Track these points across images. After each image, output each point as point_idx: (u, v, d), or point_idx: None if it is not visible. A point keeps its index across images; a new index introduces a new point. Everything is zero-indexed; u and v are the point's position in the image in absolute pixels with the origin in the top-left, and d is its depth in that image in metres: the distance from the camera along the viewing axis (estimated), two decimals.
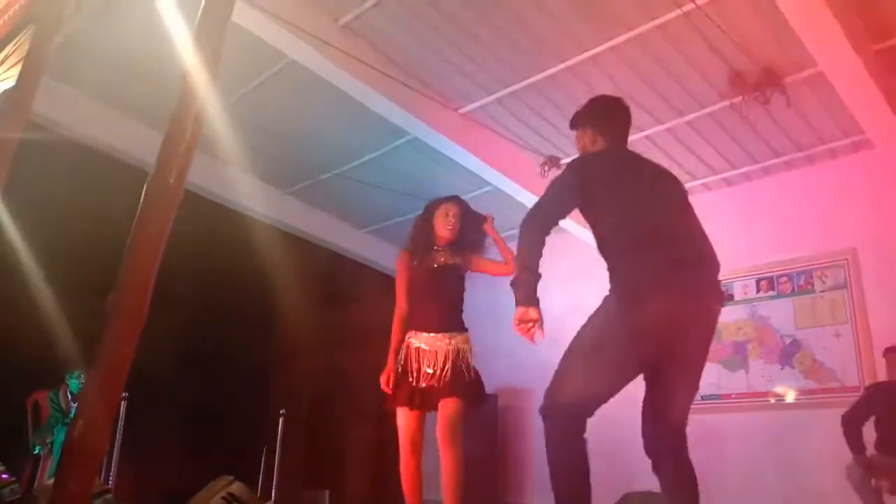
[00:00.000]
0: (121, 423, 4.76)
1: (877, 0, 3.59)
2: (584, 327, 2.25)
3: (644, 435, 2.31)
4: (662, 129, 4.85)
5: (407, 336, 3.33)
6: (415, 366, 3.23)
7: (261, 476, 6.11)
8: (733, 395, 5.19)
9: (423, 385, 3.18)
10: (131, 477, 4.73)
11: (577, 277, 6.30)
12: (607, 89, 4.46)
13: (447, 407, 3.13)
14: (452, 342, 3.25)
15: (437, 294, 3.34)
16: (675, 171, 5.32)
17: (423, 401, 3.18)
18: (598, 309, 2.26)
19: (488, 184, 5.60)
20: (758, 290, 5.31)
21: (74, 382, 5.38)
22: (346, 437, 10.95)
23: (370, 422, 10.64)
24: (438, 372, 3.18)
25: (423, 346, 3.26)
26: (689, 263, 2.19)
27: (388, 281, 8.30)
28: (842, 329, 4.89)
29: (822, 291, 5.04)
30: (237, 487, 1.51)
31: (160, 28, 3.09)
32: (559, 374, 2.24)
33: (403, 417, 3.23)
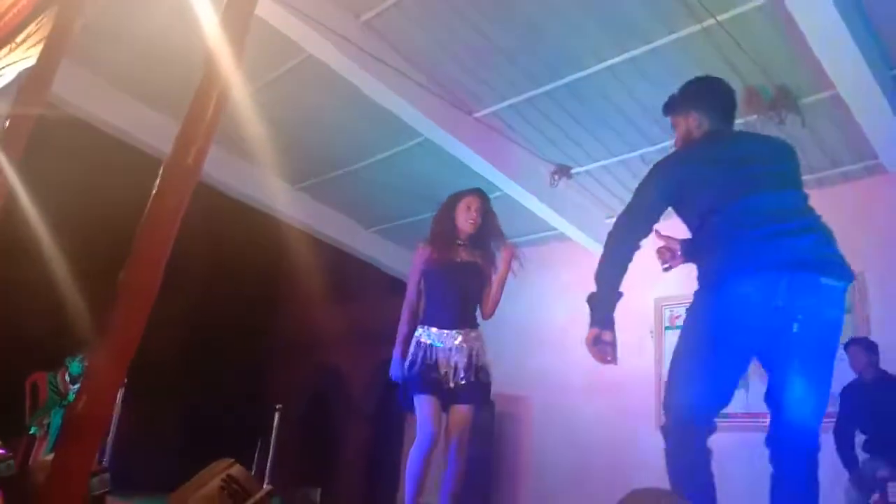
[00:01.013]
0: (117, 410, 4.76)
1: (895, 25, 3.58)
2: (680, 332, 2.12)
3: (767, 441, 2.06)
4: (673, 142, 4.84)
5: (417, 332, 3.25)
6: (430, 360, 3.14)
7: (253, 470, 6.10)
8: (732, 415, 5.16)
9: (450, 382, 3.12)
10: (124, 462, 4.73)
11: (579, 287, 6.28)
12: (623, 100, 4.48)
13: (461, 414, 3.11)
14: (466, 340, 3.18)
15: (456, 290, 3.26)
16: None
17: (443, 395, 3.11)
18: (687, 309, 2.13)
19: (498, 189, 5.59)
20: None
21: (76, 365, 5.39)
22: (341, 435, 10.95)
23: (366, 422, 10.65)
24: (451, 372, 3.12)
25: (434, 342, 3.19)
26: (784, 234, 1.96)
27: (391, 281, 8.33)
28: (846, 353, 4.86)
29: None
30: (237, 470, 1.52)
31: (185, 16, 3.10)
32: (667, 387, 2.10)
33: (428, 405, 3.08)
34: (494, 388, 3.33)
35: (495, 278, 3.33)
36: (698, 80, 2.52)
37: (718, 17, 3.58)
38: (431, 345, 3.18)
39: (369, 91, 4.36)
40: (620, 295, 2.19)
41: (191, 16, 2.90)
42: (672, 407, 2.05)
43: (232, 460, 1.58)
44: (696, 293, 2.09)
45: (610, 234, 2.26)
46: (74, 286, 5.68)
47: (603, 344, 2.15)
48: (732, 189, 2.08)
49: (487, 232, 3.37)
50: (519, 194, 5.41)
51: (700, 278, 2.09)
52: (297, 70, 4.54)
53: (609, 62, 4.12)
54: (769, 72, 4.03)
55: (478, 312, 3.37)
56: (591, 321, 2.18)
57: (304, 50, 4.15)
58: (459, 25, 4.01)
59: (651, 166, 2.35)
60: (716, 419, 2.06)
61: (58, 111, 4.56)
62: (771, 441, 2.04)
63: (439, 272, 3.28)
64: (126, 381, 4.76)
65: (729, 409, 5.87)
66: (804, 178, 5.22)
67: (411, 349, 3.22)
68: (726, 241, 2.01)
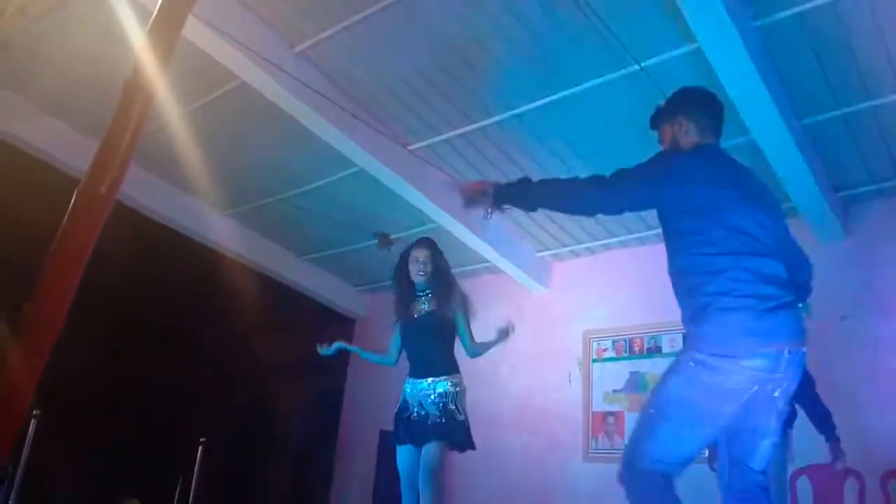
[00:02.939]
0: (28, 442, 4.50)
1: (804, 78, 3.81)
2: (663, 379, 2.10)
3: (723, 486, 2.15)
4: None
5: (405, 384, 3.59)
6: (406, 409, 3.50)
7: None
8: None
9: (419, 425, 3.43)
10: (38, 499, 4.47)
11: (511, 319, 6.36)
12: (552, 139, 4.60)
13: (426, 450, 3.36)
14: (438, 386, 3.46)
15: (420, 343, 3.57)
16: (614, 228, 5.53)
17: (413, 438, 3.43)
18: (677, 359, 2.11)
19: (432, 221, 5.64)
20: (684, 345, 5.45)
21: None
22: (269, 472, 10.62)
23: (295, 458, 10.37)
24: (427, 415, 3.41)
25: (411, 391, 3.52)
26: (781, 308, 2.00)
27: (324, 311, 8.21)
28: None
29: None
30: None
31: (112, 37, 3.04)
32: (637, 435, 2.07)
33: (401, 458, 3.47)
34: None
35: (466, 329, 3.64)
36: (688, 88, 2.48)
37: (642, 64, 3.74)
38: (410, 393, 3.53)
39: (304, 120, 4.35)
40: (528, 183, 2.29)
41: (117, 36, 2.86)
42: (643, 462, 2.03)
43: (136, 500, 1.51)
44: (695, 356, 2.03)
45: (586, 187, 2.20)
46: None
47: (482, 194, 2.30)
48: (751, 244, 2.04)
49: (443, 277, 3.63)
50: (453, 227, 5.46)
51: (702, 342, 2.03)
52: (229, 96, 4.49)
53: (539, 102, 4.23)
54: None
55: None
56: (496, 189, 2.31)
57: (237, 76, 4.11)
58: (394, 60, 4.06)
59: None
60: None
61: None
62: (732, 485, 2.10)
63: (405, 329, 3.64)
64: (39, 414, 4.52)
65: None
66: None
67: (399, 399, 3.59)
68: (741, 315, 1.97)
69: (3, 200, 4.54)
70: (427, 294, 3.60)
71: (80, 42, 3.97)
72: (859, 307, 4.86)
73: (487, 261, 6.01)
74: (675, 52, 3.70)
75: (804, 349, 2.08)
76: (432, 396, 3.44)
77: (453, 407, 3.43)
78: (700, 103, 2.37)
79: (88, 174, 1.11)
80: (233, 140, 5.06)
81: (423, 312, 3.59)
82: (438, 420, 3.38)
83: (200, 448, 5.73)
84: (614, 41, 3.62)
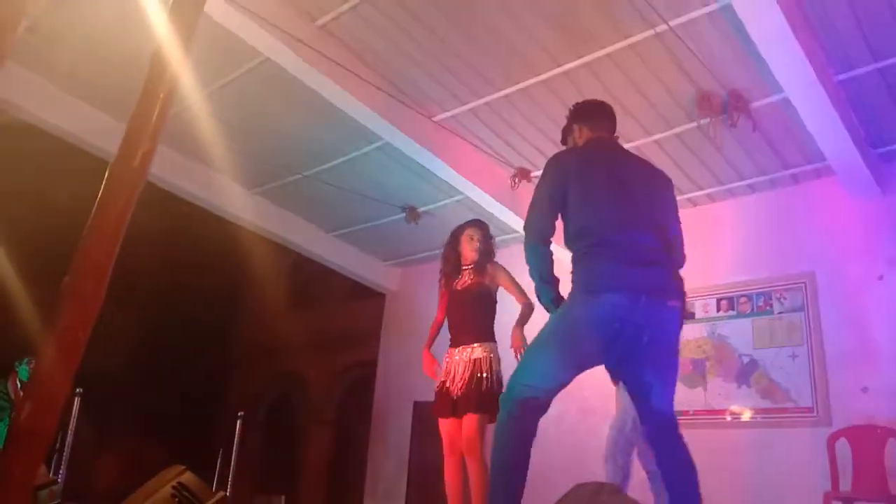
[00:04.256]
0: (73, 419, 4.64)
1: (839, 32, 3.69)
2: (546, 323, 2.39)
3: (643, 434, 2.45)
4: (631, 146, 4.91)
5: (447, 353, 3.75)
6: (448, 378, 3.63)
7: (216, 477, 6.01)
8: (691, 412, 5.25)
9: (455, 395, 3.55)
10: (83, 473, 4.60)
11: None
12: None
13: (466, 422, 3.49)
14: (473, 353, 3.60)
15: (461, 312, 3.73)
16: None
17: (455, 409, 3.54)
18: (562, 305, 2.40)
19: (459, 193, 5.63)
20: (718, 310, 5.40)
21: (24, 370, 5.21)
22: (304, 442, 10.84)
23: (329, 427, 10.56)
24: (461, 383, 3.55)
25: (451, 359, 3.67)
26: (641, 264, 2.30)
27: (353, 285, 8.27)
28: (798, 350, 4.99)
29: (780, 313, 5.15)
30: (188, 477, 1.49)
31: (132, 16, 3.05)
32: (520, 365, 2.39)
33: (441, 424, 3.62)
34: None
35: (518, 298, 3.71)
36: (579, 103, 2.86)
37: (671, 23, 3.65)
38: (449, 361, 3.68)
39: (328, 95, 4.34)
40: (556, 280, 2.45)
41: (138, 16, 2.87)
42: (521, 386, 2.32)
43: (183, 467, 1.56)
44: (572, 295, 2.35)
45: (525, 242, 2.49)
46: (25, 290, 5.54)
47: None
48: (610, 206, 2.38)
49: (489, 255, 3.84)
50: (480, 197, 5.43)
51: (576, 283, 2.35)
52: (254, 73, 4.49)
53: (565, 67, 4.17)
54: (721, 76, 4.13)
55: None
56: (547, 311, 2.43)
57: (260, 53, 4.11)
58: (417, 29, 4.02)
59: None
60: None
61: (4, 115, 4.45)
62: (647, 431, 2.43)
63: (450, 299, 3.80)
64: (83, 391, 4.66)
65: (688, 406, 5.95)
66: (757, 179, 5.38)
67: (442, 369, 3.70)
68: (605, 262, 2.31)
69: (36, 182, 4.64)
70: (472, 268, 3.79)
71: (103, 24, 4.00)
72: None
73: (517, 231, 5.98)
74: (704, 10, 3.61)
75: (673, 303, 2.35)
76: (468, 364, 3.57)
77: (485, 375, 3.52)
78: (588, 108, 2.80)
79: (120, 148, 1.12)
80: (258, 118, 5.08)
81: (467, 284, 3.76)
82: (472, 389, 3.49)
83: (239, 421, 5.85)
84: (641, 2, 3.54)
